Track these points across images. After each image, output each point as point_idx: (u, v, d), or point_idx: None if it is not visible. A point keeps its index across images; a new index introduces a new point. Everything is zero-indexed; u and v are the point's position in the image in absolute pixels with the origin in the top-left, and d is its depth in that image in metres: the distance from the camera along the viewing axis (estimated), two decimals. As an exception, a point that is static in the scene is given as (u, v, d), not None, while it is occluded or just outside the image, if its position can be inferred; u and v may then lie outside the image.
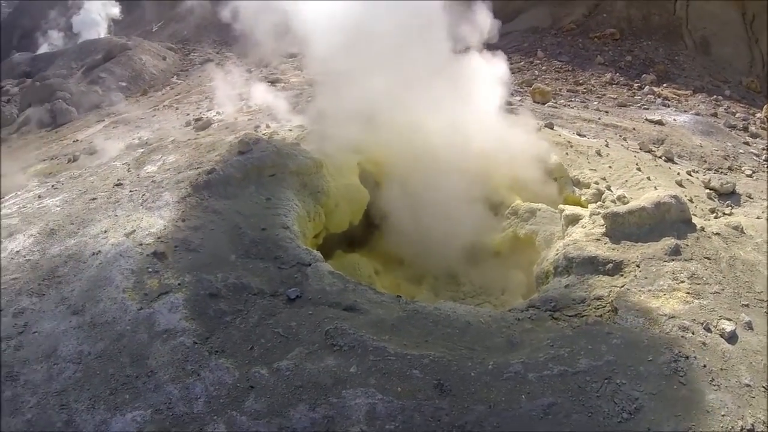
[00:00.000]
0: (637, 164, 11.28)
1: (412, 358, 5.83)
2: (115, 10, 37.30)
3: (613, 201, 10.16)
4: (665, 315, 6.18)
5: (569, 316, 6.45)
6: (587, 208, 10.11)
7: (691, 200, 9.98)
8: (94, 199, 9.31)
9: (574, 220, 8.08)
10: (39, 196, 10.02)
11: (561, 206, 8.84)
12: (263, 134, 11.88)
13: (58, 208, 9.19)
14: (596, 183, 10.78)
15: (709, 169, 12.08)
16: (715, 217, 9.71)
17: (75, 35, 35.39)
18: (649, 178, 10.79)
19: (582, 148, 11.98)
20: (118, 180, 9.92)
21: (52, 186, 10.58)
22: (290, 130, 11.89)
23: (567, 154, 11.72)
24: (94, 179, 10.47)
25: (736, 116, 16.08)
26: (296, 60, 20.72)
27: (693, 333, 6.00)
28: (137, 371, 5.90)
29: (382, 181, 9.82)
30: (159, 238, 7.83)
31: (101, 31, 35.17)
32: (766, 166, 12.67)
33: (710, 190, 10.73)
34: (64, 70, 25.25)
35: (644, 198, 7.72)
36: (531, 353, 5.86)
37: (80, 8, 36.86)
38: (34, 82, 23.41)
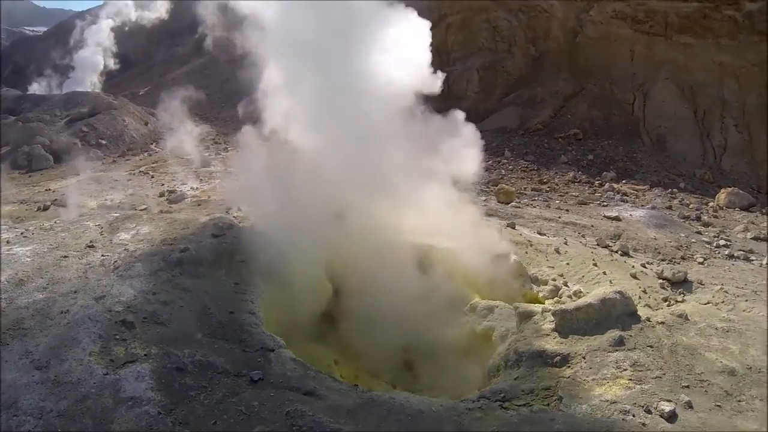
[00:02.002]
0: (593, 260, 11.78)
1: None
2: (111, 62, 38.77)
3: (569, 296, 10.61)
4: (607, 401, 6.49)
5: (518, 405, 6.72)
6: (544, 303, 10.57)
7: (645, 291, 10.45)
8: (65, 256, 9.54)
9: (527, 316, 8.49)
10: (8, 242, 10.22)
11: (515, 303, 9.26)
12: (234, 216, 12.35)
13: (28, 259, 9.39)
14: (554, 279, 11.25)
15: (663, 260, 12.58)
16: (668, 305, 10.11)
17: (66, 78, 36.39)
18: (604, 273, 11.26)
19: (542, 246, 12.51)
20: (91, 242, 10.17)
21: (22, 233, 10.78)
22: (260, 216, 12.08)
23: (527, 252, 12.23)
24: (66, 236, 10.71)
25: (690, 207, 16.82)
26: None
27: (633, 416, 6.29)
28: None
29: (345, 275, 10.22)
30: (128, 307, 8.04)
31: (94, 77, 36.32)
32: (717, 252, 13.24)
33: (663, 279, 11.19)
34: (48, 115, 25.43)
35: (591, 295, 8.19)
36: (479, 440, 6.14)
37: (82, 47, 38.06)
38: (16, 121, 23.48)
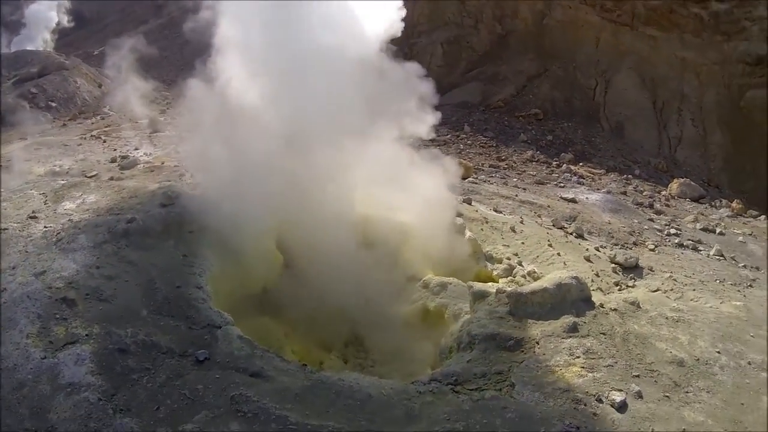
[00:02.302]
0: (548, 240, 11.76)
1: (312, 429, 5.87)
2: (65, 18, 36.82)
3: (523, 276, 10.54)
4: (560, 389, 6.41)
5: (470, 389, 6.60)
6: (498, 282, 10.47)
7: (597, 274, 10.48)
8: (5, 229, 9.04)
9: (480, 296, 8.33)
10: (-57, 211, 9.57)
11: (470, 283, 9.10)
12: (188, 183, 11.83)
13: (-37, 232, 8.79)
14: (508, 258, 11.15)
15: (615, 244, 12.63)
16: (619, 290, 10.20)
17: (16, 35, 34.57)
18: (559, 254, 11.25)
19: (497, 224, 12.40)
20: (33, 212, 9.64)
21: (-41, 202, 10.11)
22: (214, 183, 11.64)
23: (482, 229, 12.10)
24: (7, 206, 10.15)
25: (644, 194, 16.95)
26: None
27: (585, 405, 6.24)
28: (37, 425, 5.71)
29: (297, 247, 9.90)
30: (70, 283, 7.61)
31: (46, 35, 34.64)
32: (667, 240, 13.36)
33: (615, 264, 11.25)
34: (-6, 75, 23.79)
35: (547, 279, 8.07)
36: (428, 426, 5.96)
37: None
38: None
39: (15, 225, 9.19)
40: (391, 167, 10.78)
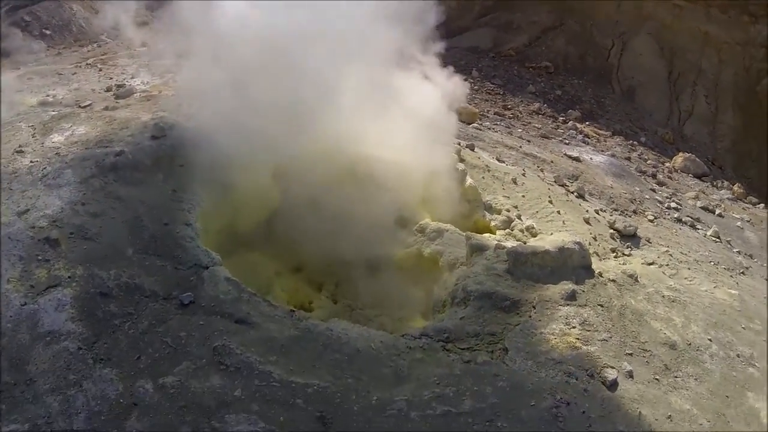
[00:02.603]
0: (549, 197, 11.40)
1: (297, 387, 5.61)
2: None
3: (521, 230, 10.25)
4: (553, 359, 6.19)
5: (461, 348, 6.36)
6: (495, 234, 10.18)
7: (594, 238, 10.19)
8: None
9: (478, 249, 8.01)
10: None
11: (468, 233, 8.75)
12: (184, 114, 11.04)
13: (-55, 169, 8.24)
14: (507, 210, 10.81)
15: (615, 210, 12.34)
16: (615, 257, 9.95)
17: None
18: (559, 212, 10.91)
19: (499, 174, 12.01)
20: (20, 146, 9.02)
21: (-56, 135, 9.46)
22: (212, 114, 11.24)
23: (483, 177, 11.71)
24: None
25: (648, 163, 16.55)
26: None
27: (577, 379, 6.03)
28: (15, 378, 5.43)
29: (293, 184, 9.42)
30: (54, 221, 7.18)
31: None
32: (667, 214, 13.09)
33: (614, 230, 10.97)
34: (-16, 3, 22.40)
35: (549, 240, 7.76)
36: (416, 389, 5.72)
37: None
38: (-53, 6, 20.62)
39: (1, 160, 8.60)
40: (392, 99, 10.27)
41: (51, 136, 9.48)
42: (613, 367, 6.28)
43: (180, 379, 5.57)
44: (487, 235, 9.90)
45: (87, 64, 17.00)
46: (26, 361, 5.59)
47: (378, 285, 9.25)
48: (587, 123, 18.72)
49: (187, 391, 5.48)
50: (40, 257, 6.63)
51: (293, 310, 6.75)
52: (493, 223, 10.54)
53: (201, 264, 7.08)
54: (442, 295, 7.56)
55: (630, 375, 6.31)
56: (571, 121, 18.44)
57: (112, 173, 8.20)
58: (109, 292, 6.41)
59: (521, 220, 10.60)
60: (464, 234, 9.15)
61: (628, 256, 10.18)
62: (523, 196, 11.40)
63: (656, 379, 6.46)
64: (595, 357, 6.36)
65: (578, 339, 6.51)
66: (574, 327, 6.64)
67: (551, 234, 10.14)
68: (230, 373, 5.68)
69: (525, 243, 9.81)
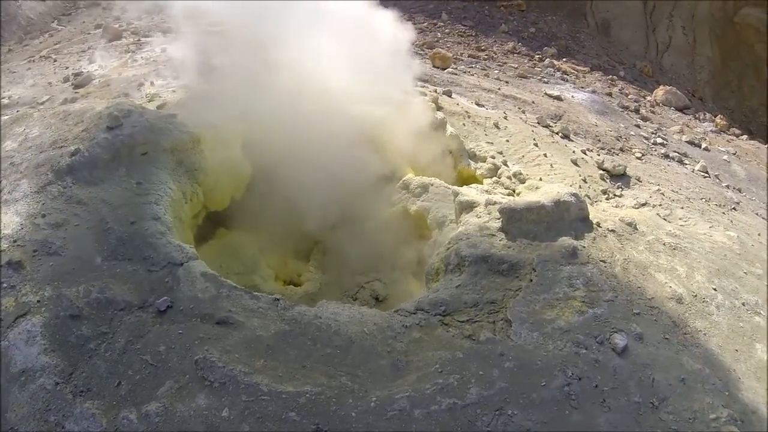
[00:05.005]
0: (534, 139, 10.67)
1: (288, 398, 4.85)
2: None
3: (508, 177, 9.52)
4: (560, 329, 5.47)
5: (461, 321, 5.62)
6: (482, 183, 9.43)
7: (585, 180, 9.59)
8: None
9: (468, 207, 7.22)
10: None
11: (455, 189, 7.92)
12: (147, 94, 10.24)
13: None
14: (492, 157, 10.04)
15: (602, 149, 11.65)
16: (606, 199, 9.38)
17: None
18: (545, 155, 10.20)
19: (480, 119, 11.18)
20: None
21: None
22: (174, 90, 10.19)
23: (464, 124, 10.90)
24: None
25: (629, 97, 15.79)
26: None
27: (586, 348, 5.32)
28: None
29: (267, 151, 8.50)
30: (15, 241, 6.26)
31: None
32: (653, 150, 12.41)
33: (603, 170, 10.35)
34: None
35: (543, 193, 6.93)
36: (418, 382, 4.98)
37: None
38: None
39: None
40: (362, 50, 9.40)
41: (5, 144, 8.40)
42: (621, 330, 5.59)
43: (164, 404, 4.83)
44: (474, 185, 9.16)
45: (41, 56, 15.58)
46: (5, 407, 4.89)
47: (366, 248, 8.55)
48: (564, 60, 17.86)
49: (173, 417, 4.74)
50: (5, 284, 5.80)
51: (278, 299, 5.91)
52: (478, 172, 9.80)
53: (174, 261, 6.20)
54: (434, 262, 6.77)
55: (640, 337, 5.62)
56: (547, 59, 17.55)
57: (70, 176, 7.15)
58: (79, 312, 5.58)
59: (508, 167, 9.87)
60: (450, 188, 8.41)
61: (620, 197, 9.64)
62: (507, 141, 10.63)
63: (666, 338, 5.77)
64: (603, 321, 5.64)
65: (584, 302, 5.78)
66: (578, 288, 5.90)
67: (540, 180, 9.45)
68: (215, 390, 4.92)
69: (514, 191, 9.14)
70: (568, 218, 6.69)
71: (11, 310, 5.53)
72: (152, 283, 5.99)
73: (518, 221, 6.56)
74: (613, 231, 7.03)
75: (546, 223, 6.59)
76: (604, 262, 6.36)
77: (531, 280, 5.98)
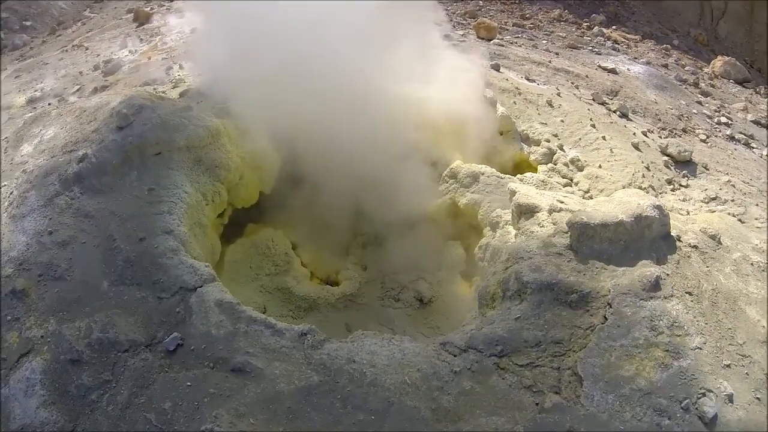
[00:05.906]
0: (591, 119, 9.51)
1: None
2: None
3: (565, 164, 8.58)
4: (639, 390, 4.42)
5: (520, 366, 4.60)
6: (537, 170, 8.49)
7: (648, 167, 8.57)
8: None
9: (528, 212, 6.08)
10: None
11: (510, 186, 6.75)
12: (173, 79, 9.36)
13: None
14: (547, 140, 8.99)
15: (663, 129, 10.39)
16: (672, 190, 8.37)
17: None
18: (603, 138, 9.09)
19: (532, 96, 9.98)
20: None
21: None
22: (200, 74, 9.16)
23: (515, 103, 9.72)
24: None
25: (686, 69, 14.26)
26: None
27: (670, 418, 4.28)
28: None
29: (300, 138, 7.39)
30: (20, 264, 5.50)
31: None
32: (718, 131, 11.10)
33: (667, 156, 9.20)
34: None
35: (619, 203, 5.75)
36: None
37: None
38: None
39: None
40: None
41: (21, 148, 7.64)
42: (710, 391, 4.51)
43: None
44: (528, 174, 8.16)
45: (73, 45, 14.52)
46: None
47: (410, 244, 7.65)
48: (614, 27, 16.28)
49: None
50: (9, 317, 5.12)
51: (305, 333, 4.89)
52: (532, 157, 8.82)
53: (187, 286, 5.26)
54: (490, 285, 5.63)
55: (730, 399, 4.55)
56: (596, 27, 15.97)
57: (77, 185, 6.25)
58: (80, 357, 4.83)
59: (564, 151, 8.85)
60: (503, 177, 7.45)
61: (686, 187, 8.60)
62: (562, 121, 9.49)
63: (757, 398, 4.70)
64: (689, 378, 4.55)
65: (667, 351, 4.68)
66: (661, 332, 4.78)
67: (599, 167, 8.50)
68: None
69: (572, 180, 8.29)
70: (649, 236, 5.55)
71: (14, 347, 4.95)
72: (161, 314, 5.11)
73: (591, 239, 5.41)
74: (695, 247, 5.90)
75: (623, 242, 5.45)
76: (690, 294, 5.23)
77: (605, 318, 4.88)
